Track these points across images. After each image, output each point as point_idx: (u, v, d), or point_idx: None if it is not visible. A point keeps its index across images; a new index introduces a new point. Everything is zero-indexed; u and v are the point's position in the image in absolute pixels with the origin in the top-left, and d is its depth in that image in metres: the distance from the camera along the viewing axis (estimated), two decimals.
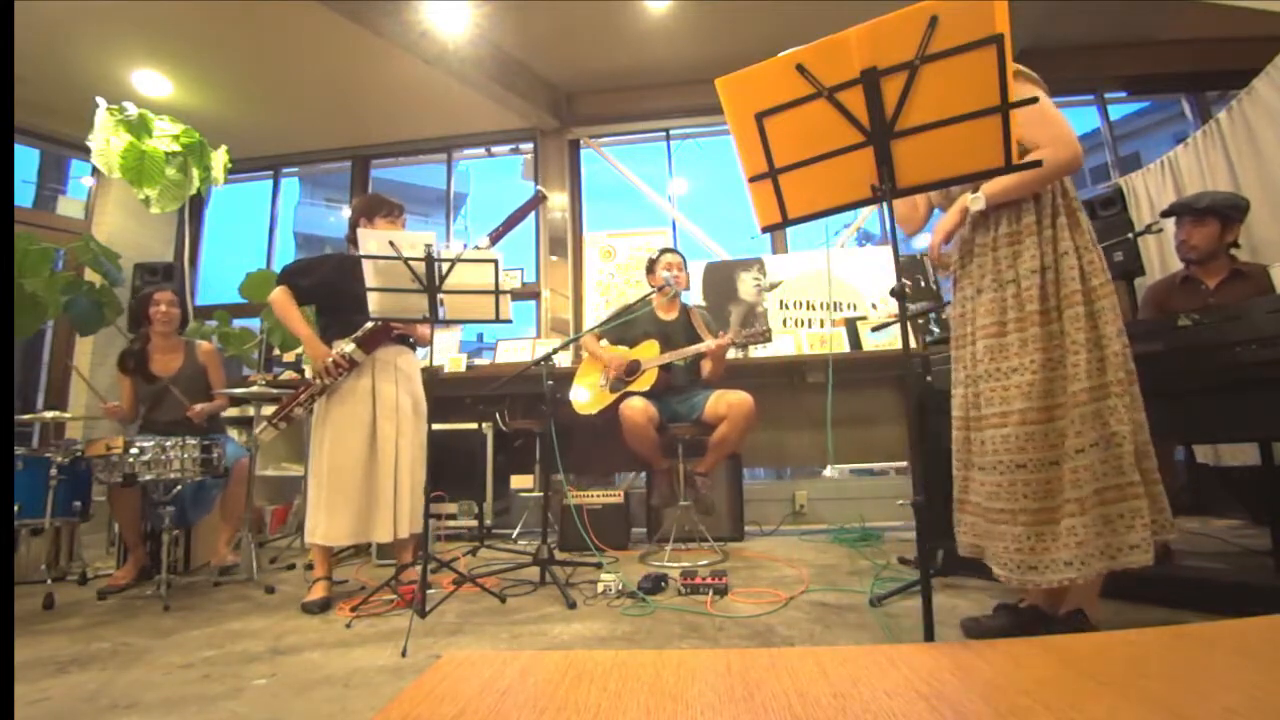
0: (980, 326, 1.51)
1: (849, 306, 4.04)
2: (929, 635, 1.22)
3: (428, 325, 2.43)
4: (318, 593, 2.22)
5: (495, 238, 2.38)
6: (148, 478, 2.37)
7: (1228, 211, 2.45)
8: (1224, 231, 2.45)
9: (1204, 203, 2.49)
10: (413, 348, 2.58)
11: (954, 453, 1.63)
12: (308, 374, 3.76)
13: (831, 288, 4.11)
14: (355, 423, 2.32)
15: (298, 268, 2.48)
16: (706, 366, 3.01)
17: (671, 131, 4.93)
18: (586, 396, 3.07)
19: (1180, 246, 2.51)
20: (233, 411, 3.65)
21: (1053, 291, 1.43)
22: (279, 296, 2.38)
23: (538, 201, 2.61)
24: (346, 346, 2.32)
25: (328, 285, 2.43)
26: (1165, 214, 2.59)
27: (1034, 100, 1.43)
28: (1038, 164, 1.43)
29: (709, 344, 2.85)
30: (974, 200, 1.48)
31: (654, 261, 3.14)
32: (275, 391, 3.11)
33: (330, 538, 2.26)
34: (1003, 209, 1.51)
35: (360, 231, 2.14)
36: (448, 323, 2.47)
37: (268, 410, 2.70)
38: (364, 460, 2.30)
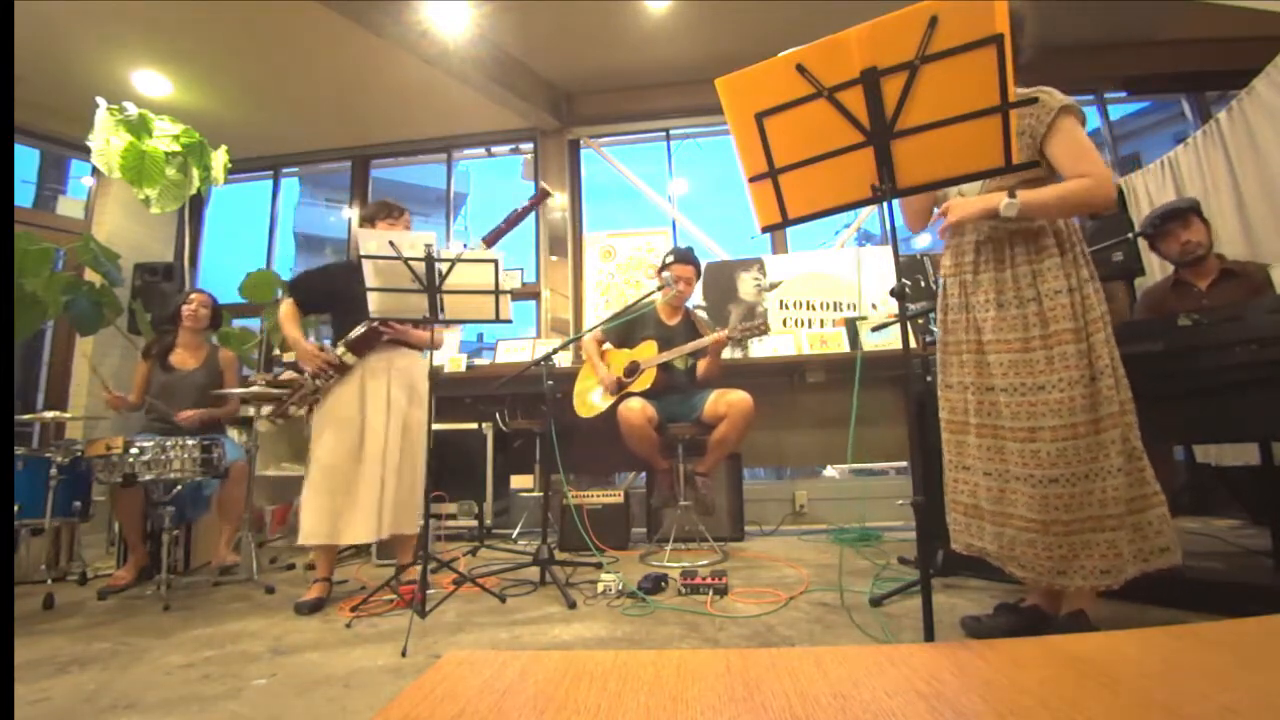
0: (1000, 340, 1.52)
1: (849, 306, 4.04)
2: (929, 635, 1.22)
3: (425, 329, 2.43)
4: (313, 593, 2.22)
5: (491, 240, 2.36)
6: (148, 478, 2.37)
7: (1199, 209, 2.54)
8: (1207, 228, 2.52)
9: (1185, 204, 2.57)
10: (420, 351, 2.56)
11: (944, 455, 1.65)
12: (308, 373, 3.78)
13: (831, 288, 4.11)
14: (342, 425, 2.32)
15: (300, 280, 2.56)
16: (703, 364, 3.01)
17: (671, 131, 4.93)
18: (587, 401, 3.07)
19: (1185, 247, 2.48)
20: None
21: (1080, 313, 1.45)
22: (284, 309, 2.44)
23: (542, 198, 2.54)
24: (338, 350, 2.34)
25: (330, 294, 2.47)
26: (1157, 225, 2.57)
27: (1034, 100, 1.45)
28: (1035, 164, 1.44)
29: (708, 339, 2.86)
30: (1007, 206, 1.44)
31: (666, 266, 3.10)
32: (275, 391, 3.11)
33: (310, 536, 2.23)
34: (1017, 235, 1.52)
35: (360, 231, 2.14)
36: (447, 323, 2.46)
37: (267, 410, 2.70)
38: (350, 462, 2.29)
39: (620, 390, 2.96)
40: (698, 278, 3.17)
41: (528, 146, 5.05)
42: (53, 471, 2.58)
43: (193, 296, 3.06)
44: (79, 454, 2.72)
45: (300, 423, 3.70)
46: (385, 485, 2.30)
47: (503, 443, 3.63)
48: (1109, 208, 1.48)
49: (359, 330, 2.34)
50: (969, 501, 1.58)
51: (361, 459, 2.30)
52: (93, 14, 3.56)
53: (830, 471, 4.51)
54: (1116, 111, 4.70)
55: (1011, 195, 1.44)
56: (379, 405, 2.35)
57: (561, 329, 4.53)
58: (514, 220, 2.42)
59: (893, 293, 1.36)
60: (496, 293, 2.21)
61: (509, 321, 2.32)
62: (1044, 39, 4.10)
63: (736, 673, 0.59)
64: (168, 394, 2.93)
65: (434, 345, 2.56)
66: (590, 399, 3.08)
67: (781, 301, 4.11)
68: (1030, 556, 1.43)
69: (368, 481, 2.27)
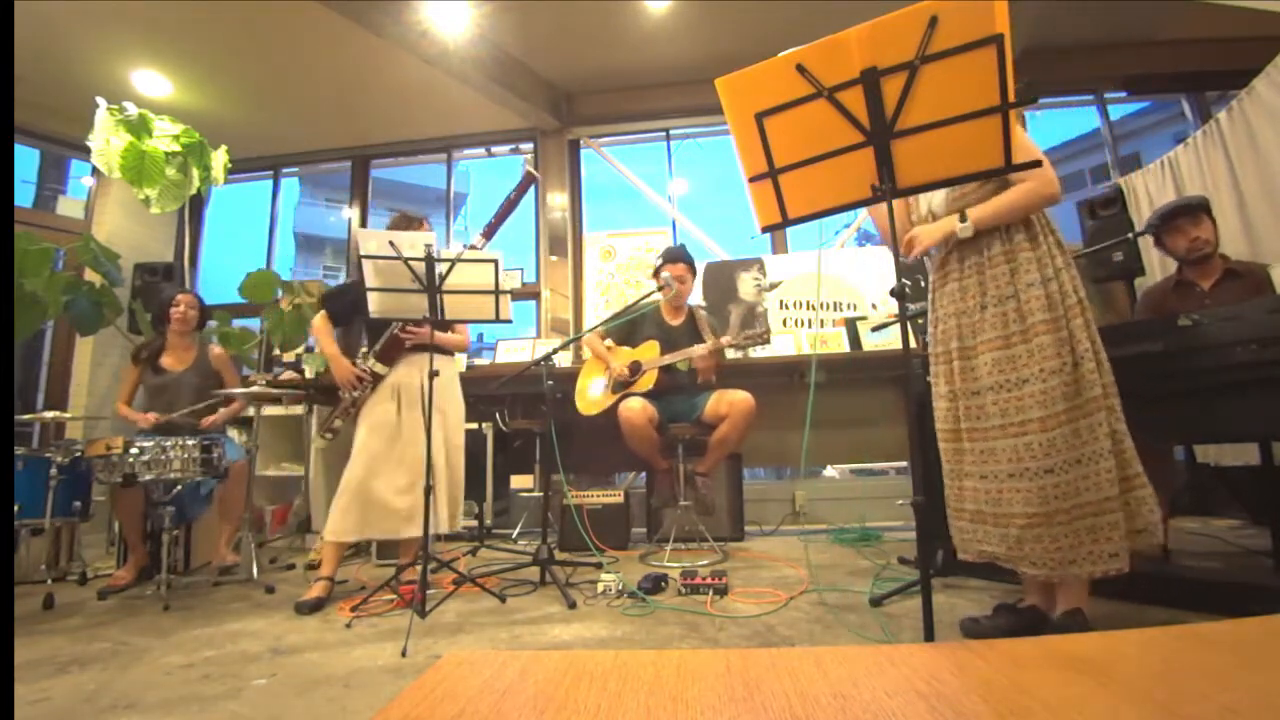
0: (985, 340, 1.55)
1: (849, 306, 4.04)
2: (929, 635, 1.22)
3: (450, 330, 2.54)
4: (314, 592, 2.22)
5: (489, 233, 2.37)
6: (148, 478, 2.37)
7: (1208, 206, 2.51)
8: (1214, 227, 2.48)
9: (1195, 200, 2.53)
10: (449, 355, 2.64)
11: (944, 465, 1.66)
12: (308, 374, 3.79)
13: (831, 288, 4.11)
14: (379, 430, 2.39)
15: (332, 293, 2.71)
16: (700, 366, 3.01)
17: (671, 131, 4.93)
18: (589, 397, 3.07)
19: (1194, 244, 2.44)
20: None
21: (1057, 302, 1.48)
22: (317, 321, 2.57)
23: (528, 183, 2.52)
24: (369, 362, 2.44)
25: (354, 305, 2.52)
26: (1165, 220, 2.55)
27: (1034, 100, 1.46)
28: (1038, 163, 1.44)
29: (701, 349, 2.86)
30: (962, 229, 1.54)
31: (659, 267, 3.11)
32: (275, 391, 3.11)
33: (337, 533, 2.28)
34: (994, 236, 1.57)
35: (360, 231, 2.14)
36: (449, 323, 2.48)
37: (268, 410, 2.71)
38: (386, 463, 2.36)
39: (625, 386, 2.96)
40: (693, 273, 3.16)
41: (528, 146, 5.06)
42: (53, 471, 2.58)
43: (179, 299, 3.03)
44: (79, 454, 2.72)
45: (301, 426, 3.72)
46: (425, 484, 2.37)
47: (503, 443, 3.63)
48: (1055, 203, 1.55)
49: (382, 339, 2.43)
50: (972, 508, 1.59)
51: (399, 460, 2.37)
52: (93, 14, 3.56)
53: (830, 471, 4.51)
54: (1116, 111, 4.70)
55: (963, 218, 1.53)
56: (414, 409, 2.42)
57: (561, 329, 4.53)
58: (507, 209, 2.44)
59: (893, 293, 1.36)
60: (496, 293, 2.21)
61: (509, 321, 2.33)
62: (1044, 39, 4.12)
63: (736, 673, 0.59)
64: (163, 396, 2.92)
65: (460, 347, 2.67)
66: (590, 394, 3.07)
67: (781, 301, 4.11)
68: (1039, 552, 1.44)
69: (410, 481, 2.34)
